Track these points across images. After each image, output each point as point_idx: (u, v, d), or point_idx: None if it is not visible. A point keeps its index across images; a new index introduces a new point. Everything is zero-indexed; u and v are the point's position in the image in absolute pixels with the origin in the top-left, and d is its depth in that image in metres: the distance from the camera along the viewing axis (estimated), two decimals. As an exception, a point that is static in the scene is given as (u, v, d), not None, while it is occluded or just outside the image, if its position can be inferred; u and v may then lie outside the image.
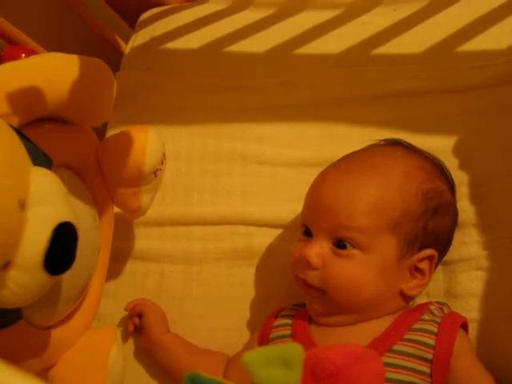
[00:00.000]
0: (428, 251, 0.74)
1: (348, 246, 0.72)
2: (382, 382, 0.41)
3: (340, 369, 0.39)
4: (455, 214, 0.82)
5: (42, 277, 0.56)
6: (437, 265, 0.80)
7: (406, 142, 0.85)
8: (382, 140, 0.86)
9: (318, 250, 0.74)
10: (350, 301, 0.73)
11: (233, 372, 0.82)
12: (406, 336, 0.70)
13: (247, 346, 0.85)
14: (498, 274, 0.82)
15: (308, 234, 0.77)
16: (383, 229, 0.72)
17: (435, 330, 0.70)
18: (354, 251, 0.72)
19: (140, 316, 0.89)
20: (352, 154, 0.82)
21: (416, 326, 0.72)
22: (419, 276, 0.75)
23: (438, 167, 0.82)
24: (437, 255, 0.75)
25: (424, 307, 0.75)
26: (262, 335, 0.81)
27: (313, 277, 0.74)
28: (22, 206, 0.54)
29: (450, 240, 0.82)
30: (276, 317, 0.83)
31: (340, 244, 0.73)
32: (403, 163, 0.77)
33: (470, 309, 0.81)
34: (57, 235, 0.56)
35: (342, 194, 0.74)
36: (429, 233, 0.75)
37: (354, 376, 0.39)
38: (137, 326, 0.89)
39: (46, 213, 0.57)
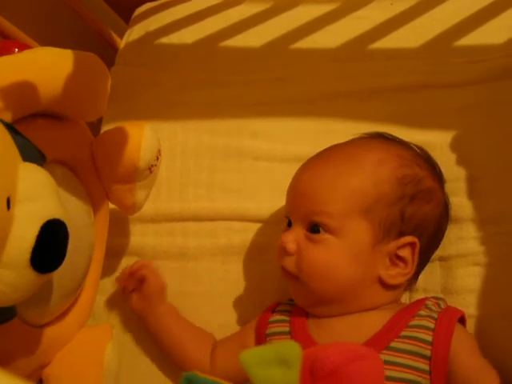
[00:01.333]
0: (408, 238, 0.74)
1: (321, 230, 0.74)
2: (381, 381, 0.41)
3: (338, 367, 0.39)
4: (441, 203, 0.80)
5: (30, 275, 0.55)
6: (427, 254, 0.80)
7: (389, 134, 0.85)
8: (366, 133, 0.86)
9: (293, 236, 0.76)
10: (324, 287, 0.74)
11: (220, 356, 0.83)
12: (403, 333, 0.70)
13: (241, 335, 0.85)
14: (495, 269, 0.81)
15: (290, 224, 0.79)
16: (355, 213, 0.73)
17: (432, 325, 0.70)
18: (327, 236, 0.73)
19: (141, 280, 0.87)
20: (330, 146, 0.83)
21: (413, 322, 0.71)
22: (401, 265, 0.74)
23: (420, 157, 0.81)
24: (418, 243, 0.74)
25: (420, 303, 0.75)
26: (259, 330, 0.81)
27: (289, 263, 0.76)
28: (10, 203, 0.53)
29: (439, 232, 0.81)
30: (272, 312, 0.83)
31: (313, 229, 0.74)
32: (379, 151, 0.78)
33: (468, 305, 0.80)
34: (45, 232, 0.56)
35: (315, 180, 0.76)
36: (407, 219, 0.75)
37: (352, 375, 0.39)
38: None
39: (33, 209, 0.56)
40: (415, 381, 0.67)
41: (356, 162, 0.77)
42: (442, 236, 0.83)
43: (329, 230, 0.73)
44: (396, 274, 0.75)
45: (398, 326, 0.71)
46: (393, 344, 0.69)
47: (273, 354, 0.39)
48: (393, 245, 0.74)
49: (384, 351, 0.69)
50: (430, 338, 0.69)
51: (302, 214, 0.76)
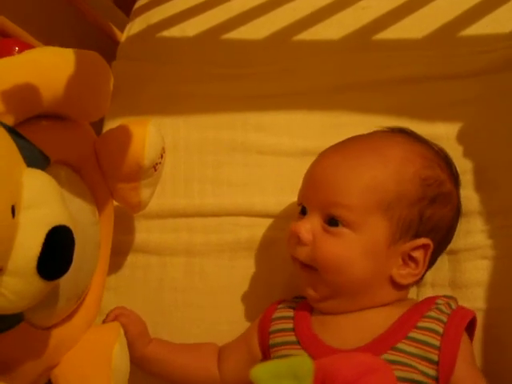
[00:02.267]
0: (423, 240, 0.74)
1: (339, 224, 0.73)
2: (393, 393, 0.40)
3: (350, 382, 0.38)
4: (457, 206, 0.80)
5: (37, 282, 0.55)
6: (435, 255, 0.79)
7: (411, 130, 0.84)
8: (388, 127, 0.85)
9: (309, 225, 0.74)
10: (338, 280, 0.73)
11: (227, 364, 0.82)
12: (411, 334, 0.69)
13: (245, 336, 0.84)
14: (503, 262, 0.81)
15: (304, 212, 0.78)
16: (375, 210, 0.72)
17: (441, 330, 0.69)
18: (345, 230, 0.72)
19: None
20: (353, 137, 0.82)
21: (421, 323, 0.71)
22: (412, 265, 0.74)
23: (441, 157, 0.81)
24: (432, 245, 0.74)
25: (431, 302, 0.74)
26: (262, 327, 0.81)
27: (302, 252, 0.75)
28: (14, 211, 0.53)
29: (450, 232, 0.81)
30: (276, 309, 0.83)
31: (331, 221, 0.73)
32: (403, 148, 0.77)
33: (476, 298, 0.80)
34: (51, 239, 0.55)
35: (336, 171, 0.75)
36: (425, 221, 0.74)
37: (364, 389, 0.39)
38: None
39: (39, 216, 0.56)
40: (421, 381, 0.66)
41: (380, 157, 0.75)
42: (452, 237, 0.82)
43: (347, 224, 0.72)
44: (407, 274, 0.74)
45: (405, 327, 0.70)
46: (399, 345, 0.68)
47: (284, 369, 0.38)
48: (408, 246, 0.73)
49: (390, 351, 0.68)
50: (437, 343, 0.68)
51: (320, 204, 0.75)
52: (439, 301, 0.74)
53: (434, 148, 0.81)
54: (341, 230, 0.73)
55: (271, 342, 0.79)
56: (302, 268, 0.76)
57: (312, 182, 0.78)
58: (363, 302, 0.75)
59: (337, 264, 0.73)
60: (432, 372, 0.67)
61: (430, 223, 0.75)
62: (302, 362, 0.39)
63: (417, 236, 0.74)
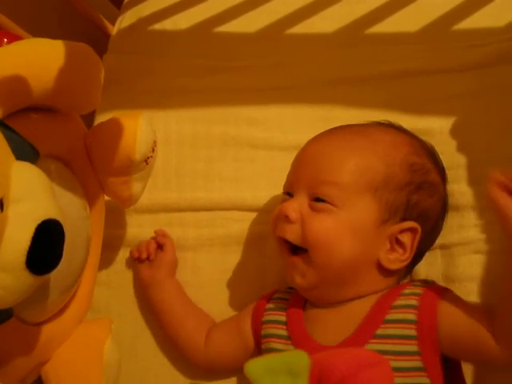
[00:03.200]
0: (410, 223, 0.74)
1: (326, 201, 0.73)
2: (390, 387, 0.40)
3: (346, 376, 0.38)
4: (442, 199, 0.80)
5: (27, 277, 0.54)
6: (423, 247, 0.79)
7: (398, 124, 0.84)
8: (375, 121, 0.85)
9: (296, 205, 0.75)
10: (328, 260, 0.73)
11: (215, 338, 0.84)
12: (387, 316, 0.70)
13: (238, 320, 0.85)
14: (496, 257, 0.81)
15: (290, 196, 0.78)
16: (363, 190, 0.73)
17: (416, 303, 0.70)
18: (331, 207, 0.73)
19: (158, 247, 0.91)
20: (344, 125, 0.82)
21: (396, 302, 0.71)
22: (400, 250, 0.74)
23: (428, 150, 0.81)
24: (420, 230, 0.74)
25: (406, 283, 0.76)
26: (255, 317, 0.82)
27: (291, 232, 0.74)
28: (3, 204, 0.52)
29: (438, 225, 0.81)
30: (270, 299, 0.83)
31: (318, 199, 0.74)
32: (392, 135, 0.79)
33: (469, 292, 0.80)
34: (40, 233, 0.55)
35: (324, 151, 0.76)
36: (412, 206, 0.74)
37: (361, 383, 0.38)
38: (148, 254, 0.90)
39: (28, 210, 0.55)
40: (408, 367, 0.66)
41: (371, 141, 0.77)
42: (438, 232, 0.82)
43: (333, 202, 0.73)
44: (394, 259, 0.74)
45: (382, 310, 0.71)
46: (379, 331, 0.69)
47: (280, 364, 0.38)
48: (395, 227, 0.73)
49: (372, 340, 0.69)
50: (414, 318, 0.69)
51: (307, 183, 0.75)
52: (415, 282, 0.75)
53: (421, 141, 0.82)
54: (328, 206, 0.73)
55: (263, 332, 0.79)
56: (290, 253, 0.76)
57: (300, 163, 0.79)
58: (351, 290, 0.74)
59: (326, 241, 0.72)
60: (413, 348, 0.67)
61: (416, 209, 0.75)
62: (297, 358, 0.38)
63: (404, 220, 0.74)
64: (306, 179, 0.76)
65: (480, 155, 0.86)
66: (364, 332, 0.70)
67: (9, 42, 0.79)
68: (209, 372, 0.86)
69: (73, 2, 1.12)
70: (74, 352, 0.77)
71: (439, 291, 0.72)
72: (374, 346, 0.68)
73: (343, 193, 0.73)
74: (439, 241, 0.83)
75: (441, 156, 0.84)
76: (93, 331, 0.80)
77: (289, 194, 0.78)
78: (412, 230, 0.74)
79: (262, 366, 0.38)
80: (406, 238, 0.74)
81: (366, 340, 0.69)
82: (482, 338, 0.66)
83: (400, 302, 0.71)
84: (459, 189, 0.85)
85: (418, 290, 0.71)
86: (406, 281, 0.80)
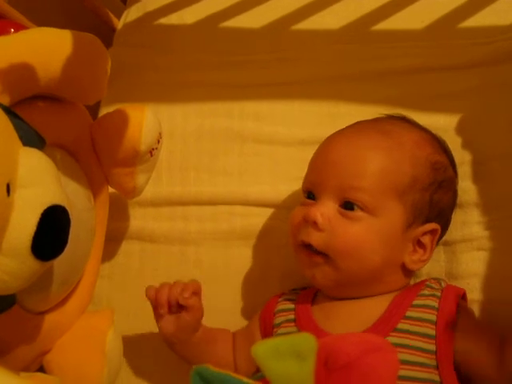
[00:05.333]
0: (432, 225, 0.73)
1: (355, 207, 0.71)
2: (396, 373, 0.40)
3: (353, 360, 0.38)
4: (456, 192, 0.81)
5: (32, 263, 0.54)
6: (437, 244, 0.79)
7: (412, 119, 0.83)
8: (387, 114, 0.84)
9: (325, 210, 0.71)
10: (353, 267, 0.71)
11: (238, 350, 0.81)
12: (408, 313, 0.70)
13: (247, 331, 0.83)
14: (499, 254, 0.81)
15: (312, 197, 0.75)
16: (391, 193, 0.71)
17: (436, 304, 0.70)
18: (362, 213, 0.70)
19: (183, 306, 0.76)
20: (360, 121, 0.81)
21: (417, 301, 0.71)
22: (421, 251, 0.74)
23: (442, 146, 0.81)
24: (440, 230, 0.74)
25: (422, 283, 0.75)
26: (264, 321, 0.80)
27: (318, 239, 0.71)
28: (10, 189, 0.52)
29: (449, 219, 0.81)
30: (277, 302, 0.81)
31: (347, 205, 0.71)
32: (413, 133, 0.77)
33: (471, 289, 0.79)
34: (46, 219, 0.54)
35: (352, 153, 0.73)
36: (433, 206, 0.74)
37: (367, 367, 0.38)
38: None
39: (34, 196, 0.55)
40: (423, 363, 0.66)
41: (393, 140, 0.74)
42: (448, 226, 0.82)
43: (365, 208, 0.70)
44: (417, 260, 0.74)
45: (402, 307, 0.70)
46: (400, 326, 0.68)
47: (287, 346, 0.38)
48: (419, 230, 0.73)
49: (392, 333, 0.68)
50: (434, 318, 0.68)
51: (334, 188, 0.72)
52: (429, 282, 0.75)
53: (434, 135, 0.81)
54: (358, 213, 0.70)
55: (275, 335, 0.77)
56: (311, 255, 0.73)
57: (324, 165, 0.75)
58: (374, 289, 0.74)
59: (356, 251, 0.70)
60: (431, 347, 0.67)
61: (437, 208, 0.75)
62: (304, 340, 0.38)
63: (426, 221, 0.74)
64: (333, 182, 0.72)
65: (484, 152, 0.86)
66: (384, 325, 0.69)
67: (16, 32, 0.78)
68: None
69: (79, -5, 1.12)
70: (76, 342, 0.77)
71: (456, 296, 0.72)
72: (393, 339, 0.67)
73: (373, 198, 0.70)
74: (443, 237, 0.83)
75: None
76: (95, 322, 0.80)
77: (310, 193, 0.76)
78: (432, 231, 0.74)
79: (268, 349, 0.38)
80: (426, 239, 0.74)
81: (387, 333, 0.68)
82: (486, 360, 0.66)
83: (420, 301, 0.71)
84: (463, 186, 0.84)
85: (438, 293, 0.71)
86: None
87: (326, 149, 0.77)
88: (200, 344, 0.79)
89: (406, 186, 0.72)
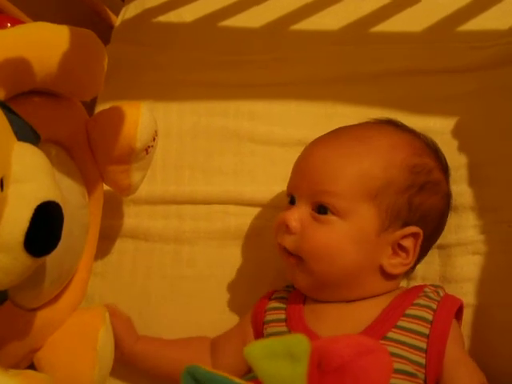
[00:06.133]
0: (412, 228, 0.73)
1: (328, 211, 0.72)
2: (389, 376, 0.39)
3: (346, 362, 0.37)
4: (446, 195, 0.80)
5: (24, 258, 0.53)
6: (427, 245, 0.79)
7: (399, 121, 0.83)
8: (376, 118, 0.85)
9: (298, 214, 0.74)
10: (326, 270, 0.73)
11: (222, 354, 0.81)
12: (400, 322, 0.69)
13: (239, 328, 0.83)
14: (494, 258, 0.81)
15: (293, 202, 0.77)
16: (363, 197, 0.72)
17: (430, 317, 0.70)
18: (333, 217, 0.72)
19: None
20: (341, 127, 0.82)
21: (410, 311, 0.70)
22: (403, 254, 0.74)
23: (429, 147, 0.81)
24: (422, 234, 0.73)
25: (419, 290, 0.74)
26: (256, 318, 0.80)
27: (290, 242, 0.74)
28: (3, 184, 0.51)
29: (441, 224, 0.81)
30: (269, 299, 0.82)
31: (320, 209, 0.73)
32: (390, 137, 0.77)
33: (466, 293, 0.80)
34: (40, 214, 0.54)
35: (326, 160, 0.75)
36: (414, 209, 0.74)
37: (361, 369, 0.38)
38: None
39: (28, 191, 0.54)
40: (411, 372, 0.66)
41: (368, 145, 0.75)
42: (443, 228, 0.82)
43: (336, 212, 0.72)
44: (397, 264, 0.74)
45: (395, 315, 0.70)
46: (390, 334, 0.68)
47: (279, 347, 0.38)
48: (397, 234, 0.73)
49: (381, 341, 0.68)
50: (426, 331, 0.68)
51: (309, 192, 0.74)
52: (427, 289, 0.74)
53: (422, 138, 0.81)
54: (330, 217, 0.72)
55: (265, 332, 0.78)
56: (289, 257, 0.76)
57: (301, 171, 0.78)
58: (353, 293, 0.74)
59: (326, 253, 0.72)
60: (421, 360, 0.67)
61: (419, 211, 0.74)
62: (298, 341, 0.38)
63: (406, 224, 0.73)
64: (307, 187, 0.75)
65: (480, 156, 0.86)
66: (374, 332, 0.69)
67: (12, 27, 0.78)
68: None
69: (77, -8, 1.12)
70: (68, 339, 0.76)
71: (452, 310, 0.71)
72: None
73: (345, 202, 0.72)
74: (437, 241, 0.83)
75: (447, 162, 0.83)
76: (87, 319, 0.79)
77: (291, 196, 0.78)
78: (414, 235, 0.73)
79: (261, 350, 0.37)
80: (408, 243, 0.73)
81: (376, 340, 0.67)
82: None
83: (414, 311, 0.70)
84: (459, 189, 0.85)
85: (433, 305, 0.71)
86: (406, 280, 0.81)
87: (304, 155, 0.79)
88: (149, 350, 0.82)
89: (378, 190, 0.72)
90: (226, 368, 0.77)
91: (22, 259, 0.54)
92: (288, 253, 0.76)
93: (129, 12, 1.15)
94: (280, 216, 0.76)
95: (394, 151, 0.75)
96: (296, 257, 0.75)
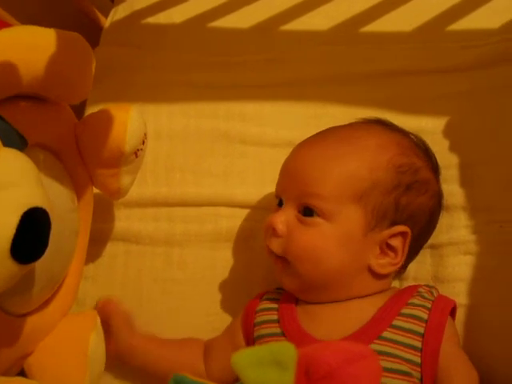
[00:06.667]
0: (400, 227, 0.73)
1: (314, 214, 0.72)
2: (378, 382, 0.39)
3: (335, 369, 0.37)
4: (436, 194, 0.80)
5: (10, 266, 0.53)
6: (417, 245, 0.79)
7: (388, 121, 0.83)
8: (364, 118, 0.85)
9: (284, 217, 0.75)
10: (312, 272, 0.73)
11: (213, 359, 0.81)
12: (395, 322, 0.69)
13: (229, 330, 0.83)
14: (486, 258, 0.81)
15: (281, 204, 0.77)
16: (349, 199, 0.72)
17: (425, 316, 0.70)
18: (319, 220, 0.72)
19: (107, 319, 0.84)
20: (329, 128, 0.82)
21: (405, 310, 0.71)
22: (391, 254, 0.74)
23: (419, 146, 0.81)
24: (410, 233, 0.73)
25: (413, 290, 0.75)
26: (246, 319, 0.80)
27: (277, 245, 0.75)
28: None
29: (431, 223, 0.81)
30: (260, 301, 0.82)
31: (306, 211, 0.73)
32: (377, 137, 0.77)
33: (458, 293, 0.80)
34: (26, 221, 0.53)
35: (311, 162, 0.75)
36: (401, 209, 0.74)
37: (349, 376, 0.37)
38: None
39: (14, 197, 0.53)
40: (406, 372, 0.66)
41: (354, 146, 0.75)
42: (434, 227, 0.82)
43: (322, 214, 0.72)
44: (386, 264, 0.74)
45: (390, 314, 0.70)
46: (385, 334, 0.68)
47: (266, 355, 0.37)
48: (385, 233, 0.73)
49: (376, 341, 0.68)
50: (422, 330, 0.69)
51: (295, 195, 0.75)
52: (421, 289, 0.75)
53: (410, 137, 0.81)
54: (315, 219, 0.72)
55: (256, 333, 0.78)
56: (276, 260, 0.76)
57: (287, 173, 0.78)
58: (342, 293, 0.74)
59: (311, 255, 0.72)
60: (416, 359, 0.67)
61: (406, 211, 0.74)
62: (284, 349, 0.38)
63: (394, 224, 0.73)
64: (293, 189, 0.75)
65: (471, 156, 0.86)
66: (369, 332, 0.69)
67: (-1, 30, 0.77)
68: None
69: (66, -7, 1.11)
70: (59, 344, 0.76)
71: (447, 309, 0.72)
72: (377, 346, 0.67)
73: (330, 204, 0.72)
74: (429, 241, 0.83)
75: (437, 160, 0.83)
76: (78, 324, 0.78)
77: (279, 198, 0.78)
78: (402, 234, 0.73)
79: (248, 358, 0.37)
80: (396, 242, 0.74)
81: (371, 340, 0.68)
82: None
83: (409, 311, 0.71)
84: (450, 189, 0.85)
85: (428, 304, 0.71)
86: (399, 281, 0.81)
87: (291, 157, 0.80)
88: (146, 346, 0.82)
89: (364, 191, 0.72)
90: (217, 372, 0.78)
91: (9, 266, 0.53)
92: (276, 256, 0.76)
93: (118, 13, 1.14)
94: (267, 219, 0.77)
95: (381, 151, 0.75)
96: (283, 259, 0.75)
